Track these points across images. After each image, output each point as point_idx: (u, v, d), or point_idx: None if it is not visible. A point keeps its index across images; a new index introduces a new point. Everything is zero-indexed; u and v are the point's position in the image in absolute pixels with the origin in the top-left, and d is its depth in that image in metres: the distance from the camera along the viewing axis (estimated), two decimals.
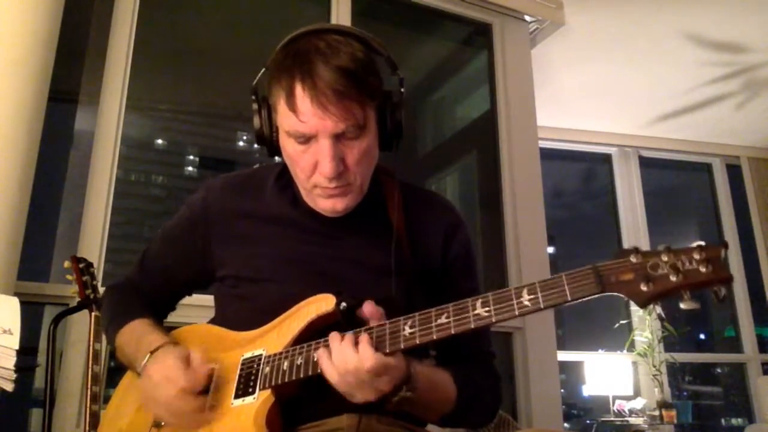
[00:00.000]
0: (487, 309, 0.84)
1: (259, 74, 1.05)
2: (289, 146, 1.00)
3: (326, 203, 1.02)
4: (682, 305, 0.75)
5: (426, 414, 1.02)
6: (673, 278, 0.74)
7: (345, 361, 0.86)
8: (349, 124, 0.95)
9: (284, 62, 0.97)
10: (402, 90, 1.05)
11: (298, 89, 0.94)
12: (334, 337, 0.89)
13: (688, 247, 0.76)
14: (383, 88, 1.03)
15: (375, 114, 1.01)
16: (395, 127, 1.04)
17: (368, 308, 0.91)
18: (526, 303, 0.81)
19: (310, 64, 0.94)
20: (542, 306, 0.80)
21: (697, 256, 0.74)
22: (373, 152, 1.02)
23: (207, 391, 0.98)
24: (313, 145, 0.97)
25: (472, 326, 0.84)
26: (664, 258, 0.76)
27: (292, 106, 0.95)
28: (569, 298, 0.79)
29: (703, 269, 0.74)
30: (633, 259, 0.77)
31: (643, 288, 0.76)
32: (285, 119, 0.97)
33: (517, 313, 0.82)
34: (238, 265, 1.08)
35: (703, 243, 0.75)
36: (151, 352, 1.01)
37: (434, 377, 0.99)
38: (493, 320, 0.83)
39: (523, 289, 0.82)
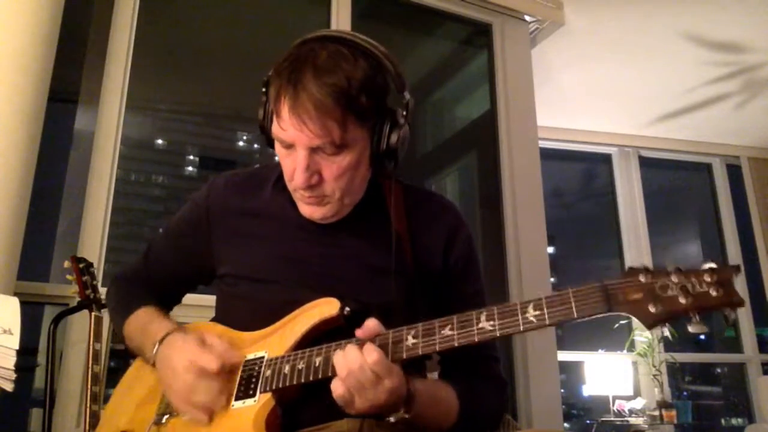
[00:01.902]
0: (491, 323, 0.83)
1: (272, 69, 1.03)
2: (276, 147, 1.02)
3: (304, 209, 1.03)
4: (690, 328, 0.73)
5: (428, 429, 1.01)
6: (682, 300, 0.73)
7: (348, 361, 0.86)
8: (325, 141, 0.94)
9: (282, 65, 0.97)
10: (405, 113, 1.02)
11: (282, 97, 0.93)
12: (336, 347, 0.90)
13: (698, 269, 0.74)
14: (387, 107, 1.00)
15: (366, 133, 0.99)
16: (388, 151, 1.00)
17: (363, 332, 0.90)
18: (532, 319, 0.81)
19: (299, 74, 0.93)
20: (548, 323, 0.80)
21: (708, 279, 0.73)
22: (358, 169, 1.00)
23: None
24: (293, 152, 0.97)
25: (476, 339, 0.84)
26: (674, 279, 0.75)
27: (276, 111, 0.95)
28: (575, 316, 0.78)
29: (713, 292, 0.72)
30: (642, 278, 0.76)
31: (651, 309, 0.75)
32: (273, 121, 0.98)
33: (522, 328, 0.81)
34: (237, 263, 1.09)
35: (714, 265, 0.73)
36: (160, 341, 1.01)
37: (436, 392, 0.99)
38: (498, 334, 0.83)
39: (529, 304, 0.82)
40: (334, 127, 0.93)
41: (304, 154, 0.95)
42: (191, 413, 0.95)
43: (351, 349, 0.87)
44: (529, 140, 3.36)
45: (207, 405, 0.94)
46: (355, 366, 0.85)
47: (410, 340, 0.87)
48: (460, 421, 1.01)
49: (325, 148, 0.95)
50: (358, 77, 0.94)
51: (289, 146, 0.97)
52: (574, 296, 0.79)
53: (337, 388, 0.87)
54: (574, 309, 0.78)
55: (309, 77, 0.92)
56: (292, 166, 0.98)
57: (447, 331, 0.85)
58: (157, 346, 1.01)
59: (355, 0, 3.09)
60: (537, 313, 0.80)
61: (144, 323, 1.10)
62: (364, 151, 1.00)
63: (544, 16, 3.54)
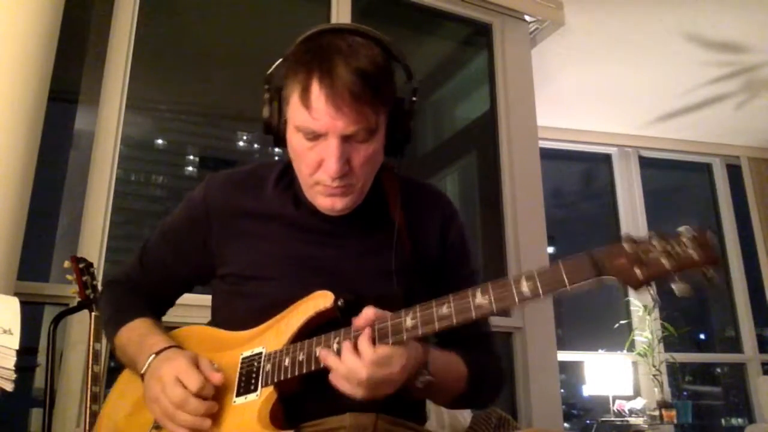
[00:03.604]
0: (487, 298, 0.85)
1: (275, 64, 1.04)
2: (295, 140, 1.00)
3: (326, 201, 1.02)
4: (675, 290, 0.77)
5: (441, 396, 1.04)
6: (664, 261, 0.77)
7: (352, 371, 0.86)
8: (360, 128, 0.95)
9: (304, 56, 0.96)
10: (415, 99, 1.05)
11: (315, 86, 0.93)
12: (327, 355, 0.90)
13: (677, 232, 0.78)
14: (397, 95, 1.03)
15: (386, 119, 1.01)
16: (404, 135, 1.05)
17: (360, 321, 0.91)
18: (525, 290, 0.82)
19: (330, 62, 0.93)
20: (541, 293, 0.82)
21: (686, 241, 0.77)
22: (378, 156, 1.02)
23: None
24: (321, 142, 0.96)
25: (474, 316, 0.85)
26: (655, 243, 0.79)
27: (306, 102, 0.94)
28: (567, 284, 0.80)
29: (693, 252, 0.76)
30: (626, 245, 0.80)
31: (637, 272, 0.78)
32: (296, 114, 0.97)
33: (516, 301, 0.83)
34: (239, 262, 1.08)
35: (690, 227, 0.78)
36: (156, 354, 1.01)
37: (448, 361, 1.01)
38: (494, 309, 0.85)
39: (521, 277, 0.84)
40: (368, 112, 0.95)
41: (337, 143, 0.95)
42: (173, 427, 0.94)
43: (349, 359, 0.87)
44: (529, 140, 3.36)
45: (189, 425, 0.93)
46: (363, 376, 0.86)
47: (409, 322, 0.88)
48: (469, 389, 1.04)
49: (358, 134, 0.96)
50: (379, 64, 0.97)
51: (316, 138, 0.96)
52: (564, 266, 0.81)
53: (358, 394, 0.88)
54: (565, 277, 0.80)
55: (341, 65, 0.93)
56: (318, 157, 0.97)
57: (444, 310, 0.87)
58: (152, 358, 1.00)
59: (355, 0, 3.10)
60: (530, 284, 0.82)
61: (140, 335, 1.08)
62: (383, 138, 1.02)
63: (544, 16, 3.54)
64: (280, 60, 1.02)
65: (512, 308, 0.86)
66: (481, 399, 1.14)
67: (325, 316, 0.97)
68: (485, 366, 1.09)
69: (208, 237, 1.12)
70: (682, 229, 0.78)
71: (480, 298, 0.85)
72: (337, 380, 0.89)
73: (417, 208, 1.13)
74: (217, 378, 0.96)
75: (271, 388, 0.94)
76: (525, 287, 0.82)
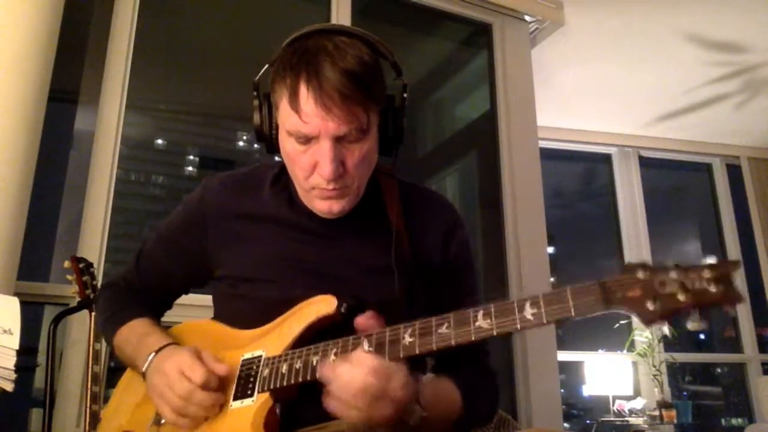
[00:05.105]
0: (488, 322, 0.82)
1: (262, 70, 1.03)
2: (288, 145, 0.99)
3: (323, 205, 1.01)
4: (689, 326, 0.72)
5: (435, 427, 1.02)
6: (681, 297, 0.71)
7: (345, 383, 0.82)
8: (351, 128, 0.94)
9: (290, 60, 0.95)
10: (405, 95, 1.05)
11: (303, 89, 0.92)
12: (323, 368, 0.85)
13: (697, 265, 0.73)
14: (387, 93, 1.03)
15: (377, 118, 1.00)
16: (396, 133, 1.04)
17: (361, 321, 0.90)
18: (529, 317, 0.79)
19: (316, 64, 0.92)
20: (545, 321, 0.78)
21: (707, 275, 0.71)
22: (372, 156, 1.02)
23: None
24: (313, 145, 0.96)
25: (473, 338, 0.82)
26: (673, 275, 0.73)
27: (295, 105, 0.93)
28: (573, 314, 0.76)
29: (712, 289, 0.70)
30: (640, 275, 0.74)
31: (650, 306, 0.73)
32: (287, 118, 0.96)
33: (518, 327, 0.80)
34: (235, 265, 1.08)
35: (714, 261, 0.72)
36: (156, 352, 1.01)
37: (439, 389, 0.98)
38: (495, 333, 0.81)
39: (526, 302, 0.80)
40: (359, 111, 0.94)
41: (330, 144, 0.94)
42: (180, 424, 0.94)
43: (345, 371, 0.83)
44: (529, 140, 3.36)
45: (198, 416, 0.94)
46: (357, 384, 0.81)
47: (407, 339, 0.86)
48: (463, 416, 1.01)
49: (350, 134, 0.95)
50: (367, 62, 0.96)
51: (308, 141, 0.96)
52: (572, 294, 0.77)
53: (351, 414, 0.83)
54: (572, 307, 0.76)
55: (328, 66, 0.92)
56: (312, 160, 0.97)
57: (444, 330, 0.84)
58: (153, 356, 1.00)
59: (355, 0, 3.10)
60: (534, 311, 0.79)
61: (139, 334, 1.08)
62: (376, 136, 1.01)
63: (544, 16, 3.54)
64: (267, 66, 1.02)
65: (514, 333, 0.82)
66: (476, 423, 1.10)
67: (328, 320, 0.96)
68: (481, 391, 1.06)
69: (205, 240, 1.11)
70: (705, 261, 0.72)
71: (481, 321, 0.82)
72: (330, 401, 0.84)
73: (418, 213, 1.12)
74: (221, 369, 0.96)
75: (267, 395, 0.94)
76: (529, 314, 0.79)
